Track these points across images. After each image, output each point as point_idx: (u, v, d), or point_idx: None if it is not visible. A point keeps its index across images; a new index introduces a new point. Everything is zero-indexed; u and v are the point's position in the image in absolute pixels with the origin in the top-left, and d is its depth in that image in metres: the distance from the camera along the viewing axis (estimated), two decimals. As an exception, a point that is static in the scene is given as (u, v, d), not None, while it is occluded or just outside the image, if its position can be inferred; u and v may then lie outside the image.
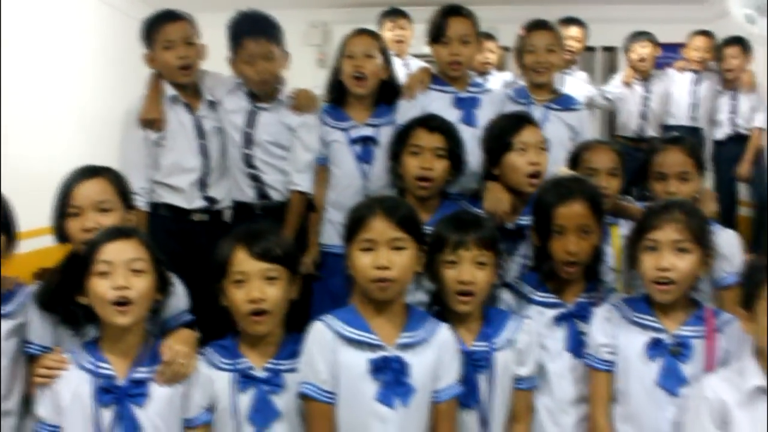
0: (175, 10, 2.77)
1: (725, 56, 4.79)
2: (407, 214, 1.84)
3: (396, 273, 1.78)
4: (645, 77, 5.01)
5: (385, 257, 1.78)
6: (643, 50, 4.90)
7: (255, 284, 1.81)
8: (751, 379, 1.69)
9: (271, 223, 2.06)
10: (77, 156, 2.42)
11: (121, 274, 1.75)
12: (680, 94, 5.03)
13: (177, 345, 1.82)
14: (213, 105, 2.83)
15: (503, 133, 2.38)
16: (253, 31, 2.69)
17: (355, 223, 1.83)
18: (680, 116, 5.02)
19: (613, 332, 1.97)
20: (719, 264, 2.31)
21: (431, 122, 2.41)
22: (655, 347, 1.91)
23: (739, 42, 4.74)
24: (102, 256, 1.76)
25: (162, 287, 1.85)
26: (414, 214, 1.89)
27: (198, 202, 2.77)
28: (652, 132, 4.99)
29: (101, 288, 1.74)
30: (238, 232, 1.89)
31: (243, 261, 1.83)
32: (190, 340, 1.89)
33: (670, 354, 1.90)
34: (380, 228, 1.79)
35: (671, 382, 1.88)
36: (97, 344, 1.81)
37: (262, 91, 2.78)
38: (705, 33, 4.99)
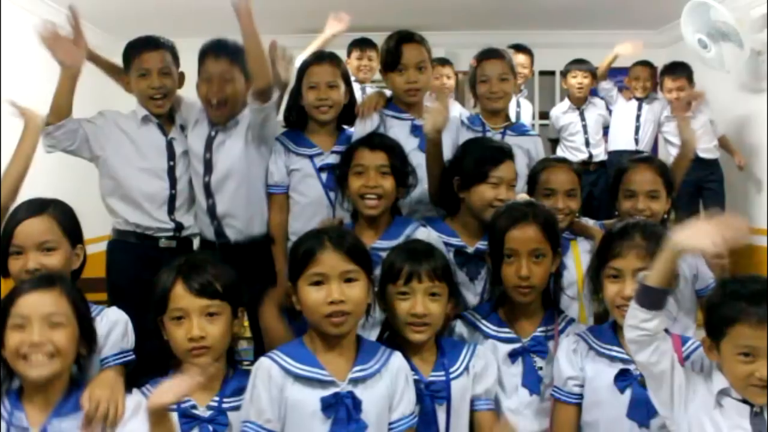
0: (157, 37, 2.76)
1: (665, 85, 4.90)
2: (355, 245, 1.82)
3: (351, 306, 1.74)
4: (580, 104, 5.14)
5: (339, 291, 1.74)
6: (584, 79, 5.04)
7: (195, 322, 1.75)
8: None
9: (213, 254, 1.99)
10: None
11: (37, 329, 1.66)
12: (626, 120, 5.17)
13: (97, 390, 1.73)
14: (184, 129, 2.82)
15: (481, 164, 2.34)
16: (215, 51, 2.68)
17: (304, 258, 1.78)
18: (626, 141, 5.14)
19: (581, 364, 1.93)
20: (702, 273, 2.38)
21: (373, 141, 2.38)
22: (624, 378, 1.87)
23: (676, 69, 4.84)
24: (18, 309, 1.68)
25: (87, 337, 1.76)
26: (360, 243, 1.87)
27: (165, 224, 2.73)
28: (601, 156, 5.13)
29: (14, 342, 1.66)
30: (177, 264, 1.82)
31: (181, 297, 1.76)
32: (111, 381, 1.78)
33: (639, 384, 1.84)
34: (331, 261, 1.75)
35: (641, 413, 1.83)
36: (19, 392, 1.72)
37: (218, 116, 2.72)
38: (645, 63, 5.14)
